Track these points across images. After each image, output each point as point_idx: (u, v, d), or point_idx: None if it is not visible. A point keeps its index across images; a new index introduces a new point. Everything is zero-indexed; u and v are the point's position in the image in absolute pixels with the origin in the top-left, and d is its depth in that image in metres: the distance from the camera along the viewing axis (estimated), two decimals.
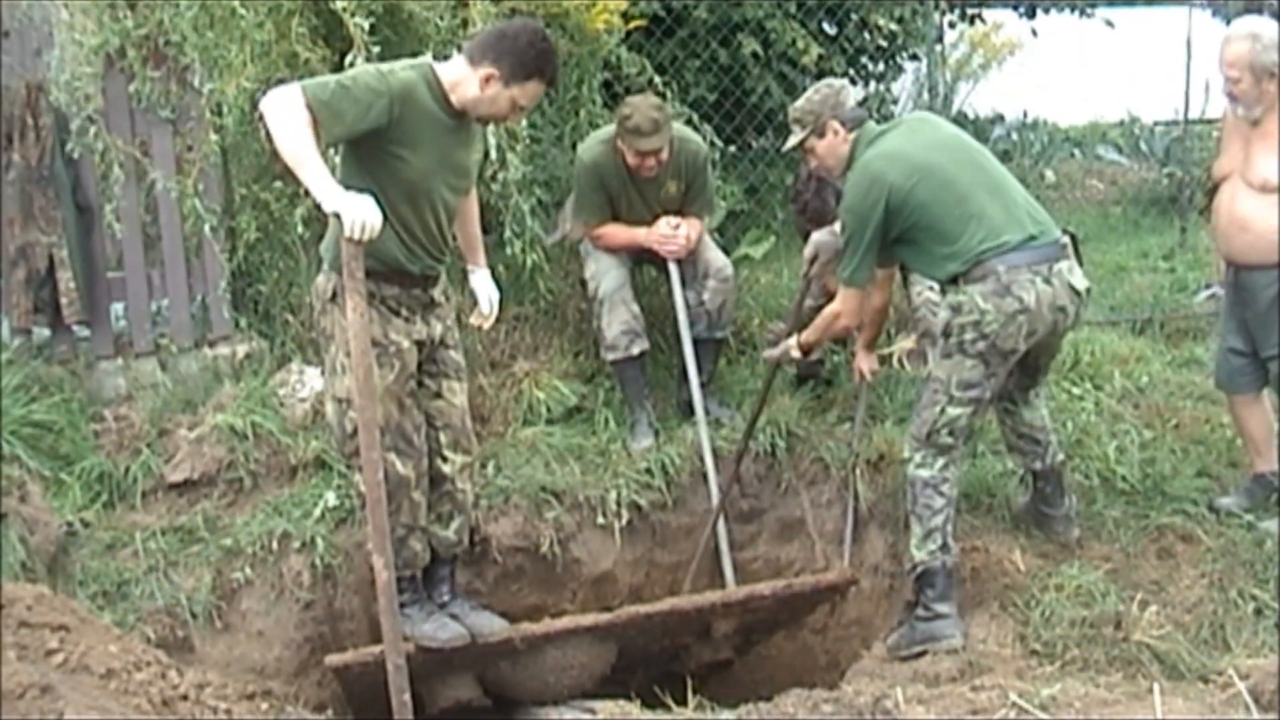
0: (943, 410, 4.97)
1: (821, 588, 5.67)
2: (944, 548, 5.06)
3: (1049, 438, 5.38)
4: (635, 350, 6.24)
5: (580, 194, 6.34)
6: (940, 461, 5.06)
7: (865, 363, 6.19)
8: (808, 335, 5.55)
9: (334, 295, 4.61)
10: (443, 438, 4.96)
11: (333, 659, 5.06)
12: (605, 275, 6.30)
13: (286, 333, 6.46)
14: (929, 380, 5.06)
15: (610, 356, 6.30)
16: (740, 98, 8.31)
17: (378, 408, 4.44)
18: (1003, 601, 5.13)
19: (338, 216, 4.10)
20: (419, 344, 4.77)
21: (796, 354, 5.63)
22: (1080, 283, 4.96)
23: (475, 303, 5.17)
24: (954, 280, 4.94)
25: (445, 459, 4.98)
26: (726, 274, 6.36)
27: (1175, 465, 5.90)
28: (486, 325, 5.28)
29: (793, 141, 5.38)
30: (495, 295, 5.20)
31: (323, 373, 5.22)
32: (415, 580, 4.97)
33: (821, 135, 5.23)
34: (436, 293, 4.84)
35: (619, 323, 6.23)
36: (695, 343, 6.23)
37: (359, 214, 4.07)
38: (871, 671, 5.01)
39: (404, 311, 4.69)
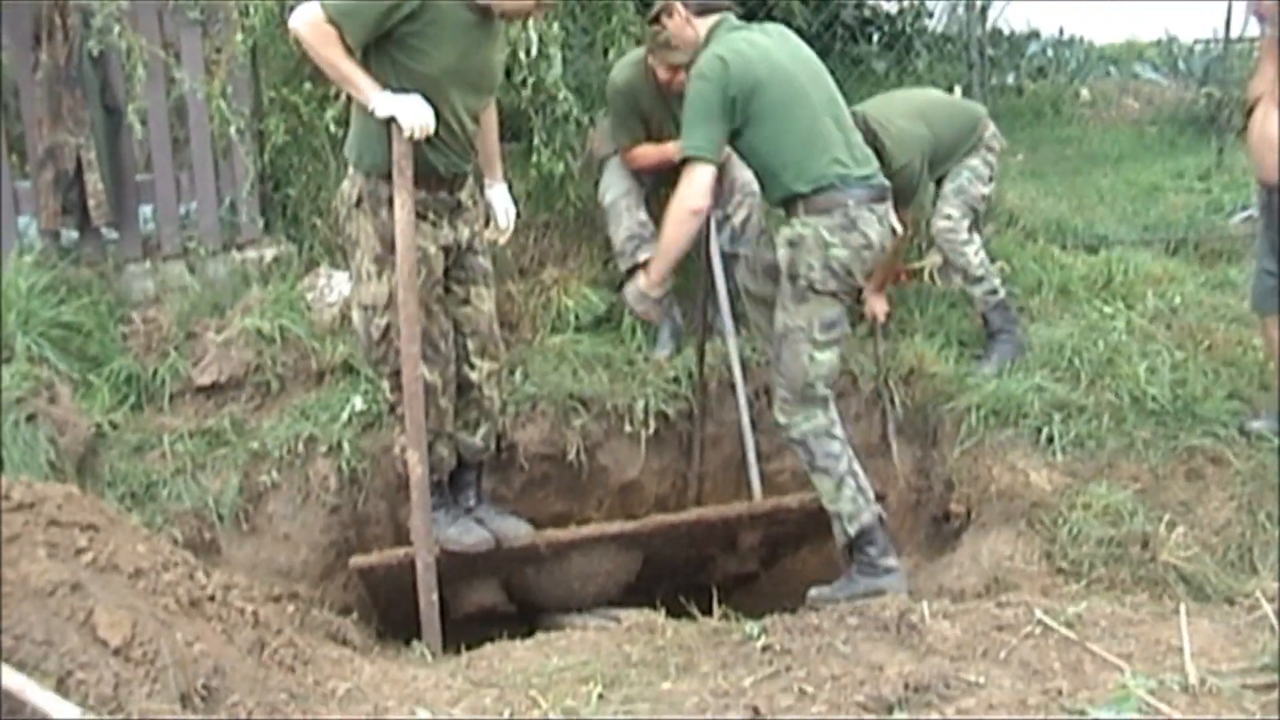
0: (811, 358, 4.72)
1: None
2: (868, 498, 4.83)
3: None
4: (641, 257, 6.14)
5: (615, 117, 6.30)
6: (820, 413, 4.81)
7: (878, 305, 6.21)
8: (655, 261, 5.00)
9: (359, 200, 4.63)
10: (470, 344, 4.96)
11: (357, 560, 5.10)
12: (610, 187, 6.31)
13: (315, 236, 6.43)
14: (786, 335, 4.77)
15: (621, 265, 6.29)
16: (769, 14, 8.19)
17: (403, 313, 4.48)
18: (1029, 519, 5.11)
19: (393, 120, 4.31)
20: (445, 249, 4.76)
21: (643, 284, 4.99)
22: (899, 227, 4.92)
23: (490, 218, 5.14)
24: (791, 206, 4.76)
25: (472, 365, 4.99)
26: (752, 189, 6.24)
27: (1206, 387, 5.84)
28: (503, 240, 5.26)
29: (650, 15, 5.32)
30: (512, 210, 5.18)
31: (350, 278, 5.21)
32: (441, 485, 4.99)
33: (670, 15, 5.09)
34: (464, 196, 4.82)
35: (624, 230, 6.21)
36: (721, 256, 6.17)
37: (414, 115, 4.32)
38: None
39: (431, 216, 4.67)
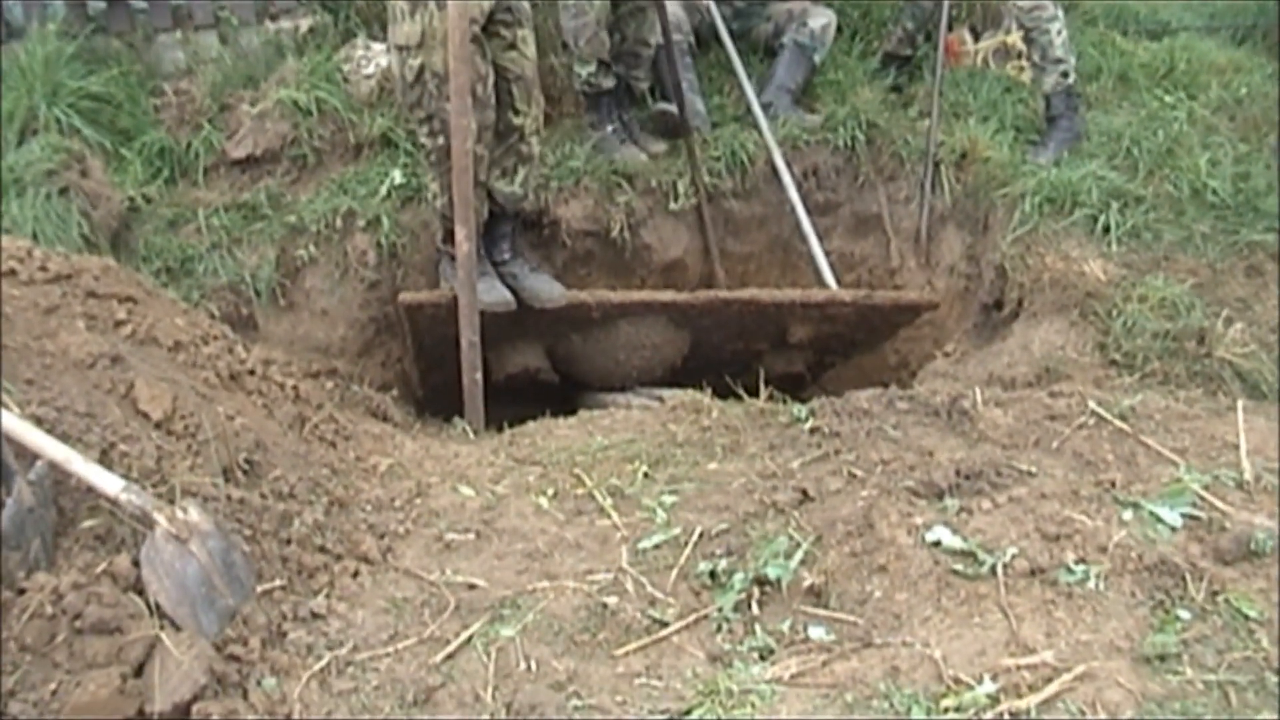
0: None
1: (902, 305, 5.53)
2: None
3: None
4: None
5: None
6: None
7: None
8: None
9: None
10: (515, 90, 4.85)
11: (406, 297, 5.05)
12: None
13: (350, 6, 6.24)
14: None
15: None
16: None
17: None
18: (1083, 309, 5.03)
19: None
20: None
21: None
22: None
23: None
24: None
25: (517, 111, 4.89)
26: (831, 15, 6.42)
27: (1270, 182, 5.67)
28: None
29: None
30: None
31: (387, 50, 5.08)
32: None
33: None
34: None
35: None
36: (796, 46, 6.27)
37: None
38: (945, 373, 4.96)
39: None
